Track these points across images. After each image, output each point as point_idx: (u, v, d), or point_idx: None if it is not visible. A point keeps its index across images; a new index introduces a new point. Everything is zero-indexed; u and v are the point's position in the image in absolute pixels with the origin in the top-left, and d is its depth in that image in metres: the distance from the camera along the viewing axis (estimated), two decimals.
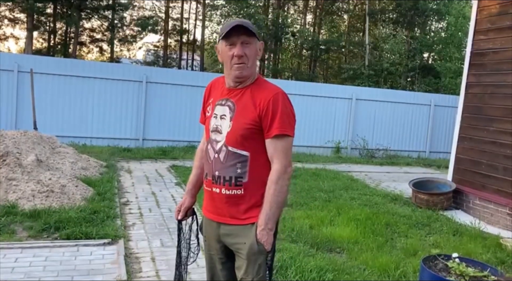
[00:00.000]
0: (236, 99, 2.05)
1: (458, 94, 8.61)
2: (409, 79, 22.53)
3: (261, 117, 1.99)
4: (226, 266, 2.18)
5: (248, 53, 2.01)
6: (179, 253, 2.29)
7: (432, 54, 24.56)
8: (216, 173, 2.05)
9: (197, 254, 2.36)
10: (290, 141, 2.02)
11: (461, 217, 6.23)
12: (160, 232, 4.72)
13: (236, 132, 2.01)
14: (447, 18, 22.26)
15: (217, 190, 2.06)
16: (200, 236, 2.29)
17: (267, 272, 2.00)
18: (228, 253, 2.15)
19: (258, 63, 2.16)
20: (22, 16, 23.00)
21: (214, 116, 2.10)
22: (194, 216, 2.31)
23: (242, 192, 2.02)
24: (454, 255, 2.84)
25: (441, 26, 25.48)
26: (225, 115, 2.06)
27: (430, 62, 24.25)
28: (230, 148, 2.02)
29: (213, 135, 2.09)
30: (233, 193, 2.03)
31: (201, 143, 2.33)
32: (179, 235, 2.28)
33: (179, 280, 2.31)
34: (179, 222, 2.27)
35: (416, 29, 23.96)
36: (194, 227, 2.31)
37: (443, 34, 23.44)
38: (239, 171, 2.01)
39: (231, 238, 2.08)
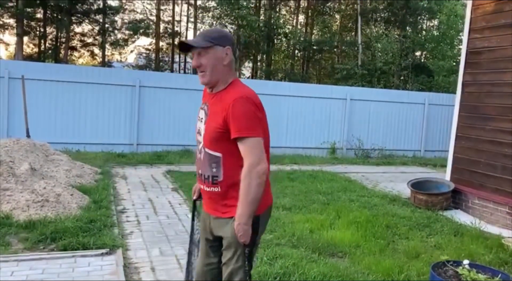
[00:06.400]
0: (210, 103, 2.25)
1: (452, 92, 8.58)
2: (402, 78, 22.55)
3: (226, 122, 2.12)
4: (217, 252, 2.38)
5: (205, 62, 2.18)
6: (192, 234, 2.56)
7: (424, 52, 24.63)
8: (200, 171, 2.30)
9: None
10: (253, 141, 2.08)
11: (460, 217, 6.20)
12: (159, 240, 4.63)
13: (209, 135, 2.19)
14: (438, 16, 22.37)
15: (203, 187, 2.31)
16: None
17: (246, 262, 2.17)
18: (220, 240, 2.35)
19: (233, 67, 2.26)
20: (12, 21, 22.72)
21: (198, 119, 2.34)
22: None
23: (219, 189, 2.22)
24: (465, 262, 2.79)
25: (433, 24, 25.59)
26: (202, 118, 2.28)
27: (422, 60, 24.31)
28: (206, 150, 2.22)
29: (198, 137, 2.32)
30: (211, 190, 2.24)
31: None
32: (193, 214, 2.58)
33: (190, 261, 2.59)
34: (194, 201, 2.56)
35: (408, 27, 23.98)
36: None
37: (435, 32, 23.52)
38: (214, 170, 2.20)
39: (217, 230, 2.30)
